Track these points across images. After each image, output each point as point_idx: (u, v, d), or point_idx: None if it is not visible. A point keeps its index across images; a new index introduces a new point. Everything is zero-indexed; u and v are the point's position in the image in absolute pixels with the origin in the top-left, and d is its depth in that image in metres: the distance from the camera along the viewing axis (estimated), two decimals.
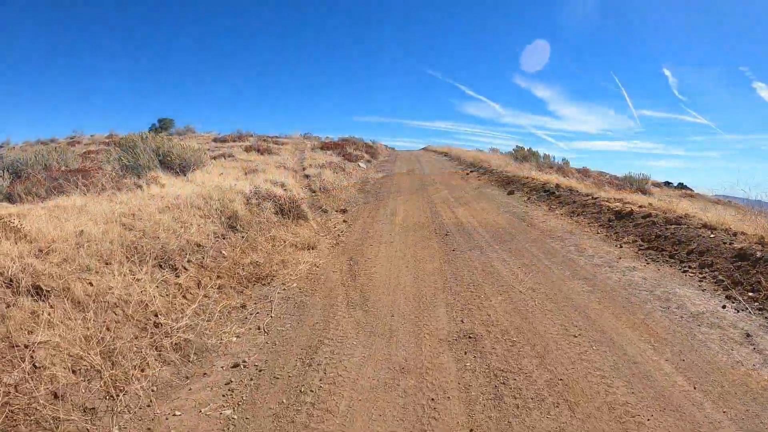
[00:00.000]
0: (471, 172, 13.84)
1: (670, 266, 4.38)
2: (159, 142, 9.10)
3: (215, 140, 17.74)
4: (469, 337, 2.74)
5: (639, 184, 14.07)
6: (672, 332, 2.91)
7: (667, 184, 23.07)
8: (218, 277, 3.76)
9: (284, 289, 3.74)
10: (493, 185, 11.07)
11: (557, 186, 8.94)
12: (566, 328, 2.87)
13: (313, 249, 4.86)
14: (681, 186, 23.75)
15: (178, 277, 3.62)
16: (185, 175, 8.34)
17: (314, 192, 8.44)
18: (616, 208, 6.47)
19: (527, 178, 10.84)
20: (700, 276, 4.11)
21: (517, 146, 16.17)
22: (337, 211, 7.29)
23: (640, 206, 6.46)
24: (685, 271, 4.23)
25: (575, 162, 15.68)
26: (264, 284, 3.84)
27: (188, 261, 3.80)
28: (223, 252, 4.11)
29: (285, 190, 7.42)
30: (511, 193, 9.55)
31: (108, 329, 2.88)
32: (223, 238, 4.42)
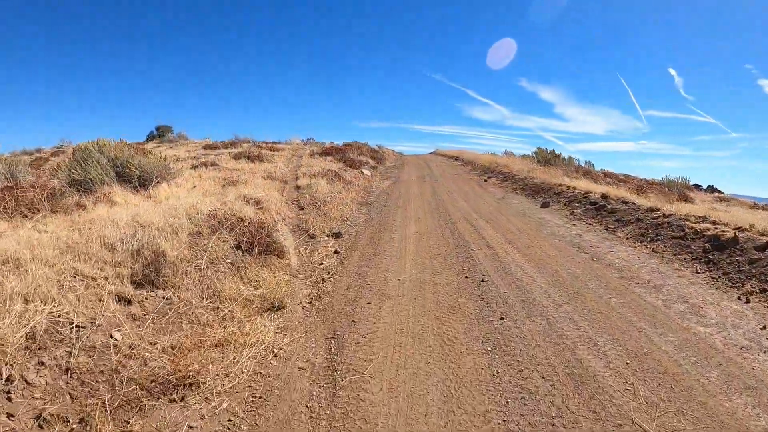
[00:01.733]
0: (489, 178, 12.09)
1: None
2: (117, 151, 7.57)
3: (206, 147, 16.20)
4: None
5: (680, 189, 12.23)
6: None
7: (697, 186, 21.08)
8: (89, 392, 2.10)
9: (203, 417, 2.06)
10: (518, 194, 9.32)
11: (605, 197, 7.15)
12: None
13: (279, 311, 3.18)
14: (712, 189, 21.76)
15: (10, 400, 1.98)
16: (147, 190, 6.82)
17: (302, 209, 6.78)
18: (707, 232, 4.69)
19: (559, 185, 9.08)
20: None
21: (538, 148, 14.38)
22: (328, 236, 5.62)
23: (739, 228, 4.67)
24: None
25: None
26: (173, 400, 2.17)
27: (40, 363, 2.15)
28: (116, 335, 2.45)
29: (261, 209, 5.78)
30: (545, 205, 7.78)
31: None
32: (128, 305, 2.76)
